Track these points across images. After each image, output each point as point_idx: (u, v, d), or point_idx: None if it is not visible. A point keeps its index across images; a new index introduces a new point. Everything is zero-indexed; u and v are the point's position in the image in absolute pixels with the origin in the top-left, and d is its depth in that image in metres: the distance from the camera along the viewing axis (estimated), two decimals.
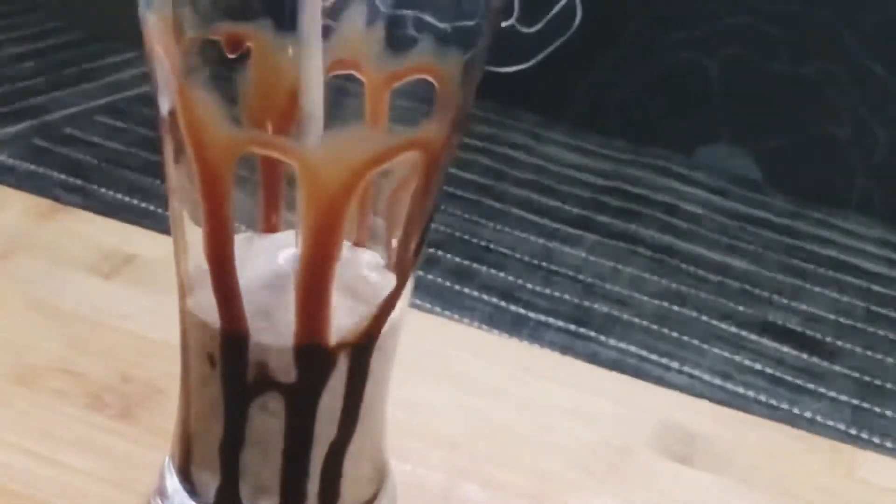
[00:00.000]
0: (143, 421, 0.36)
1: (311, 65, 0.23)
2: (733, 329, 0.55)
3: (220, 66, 0.25)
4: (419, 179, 0.26)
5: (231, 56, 0.26)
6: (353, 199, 0.24)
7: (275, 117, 0.27)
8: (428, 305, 0.51)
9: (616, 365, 0.50)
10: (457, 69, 0.26)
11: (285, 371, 0.27)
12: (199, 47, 0.25)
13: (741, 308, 0.58)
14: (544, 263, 0.59)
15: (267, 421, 0.28)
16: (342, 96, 0.28)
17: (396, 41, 0.27)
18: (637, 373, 0.49)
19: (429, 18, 0.26)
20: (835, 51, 0.78)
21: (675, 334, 0.54)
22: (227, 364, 0.27)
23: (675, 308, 0.56)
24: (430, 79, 0.27)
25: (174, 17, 0.24)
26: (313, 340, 0.26)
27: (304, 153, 0.23)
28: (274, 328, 0.25)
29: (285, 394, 0.27)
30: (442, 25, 0.26)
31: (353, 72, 0.28)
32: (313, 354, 0.27)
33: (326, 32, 0.27)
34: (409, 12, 0.27)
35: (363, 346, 0.28)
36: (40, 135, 0.63)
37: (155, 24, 0.24)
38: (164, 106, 0.26)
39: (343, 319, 0.26)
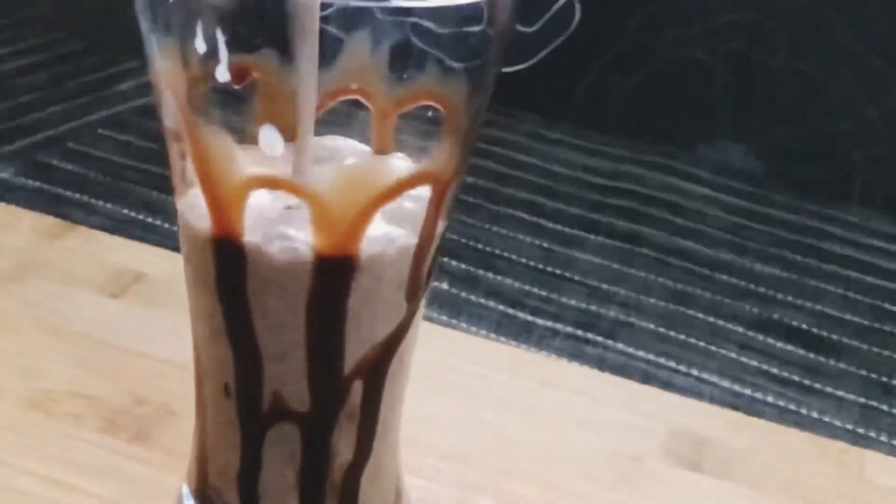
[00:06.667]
0: (158, 443, 0.37)
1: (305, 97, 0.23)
2: (739, 329, 0.55)
3: (229, 102, 0.25)
4: (430, 206, 0.26)
5: (236, 87, 0.26)
6: (364, 232, 0.24)
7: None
8: (434, 314, 0.51)
9: (624, 369, 0.50)
10: (463, 95, 0.27)
11: (300, 399, 0.27)
12: (207, 82, 0.25)
13: (746, 307, 0.58)
14: (550, 268, 0.59)
15: (283, 447, 0.28)
16: (348, 123, 0.29)
17: (402, 67, 0.27)
18: (645, 377, 0.50)
19: (433, 44, 0.26)
20: (835, 45, 0.78)
21: (681, 336, 0.54)
22: (243, 393, 0.27)
23: (681, 309, 0.57)
24: (436, 105, 0.27)
25: (181, 51, 0.24)
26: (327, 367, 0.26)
27: (315, 192, 0.23)
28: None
29: (300, 421, 0.27)
30: (447, 51, 0.26)
31: (359, 97, 0.28)
32: (327, 383, 0.27)
33: (332, 59, 0.27)
34: (413, 38, 0.27)
35: (376, 372, 0.28)
36: (44, 150, 0.64)
37: (161, 61, 0.25)
38: (173, 141, 0.26)
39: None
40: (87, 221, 0.54)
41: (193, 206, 0.25)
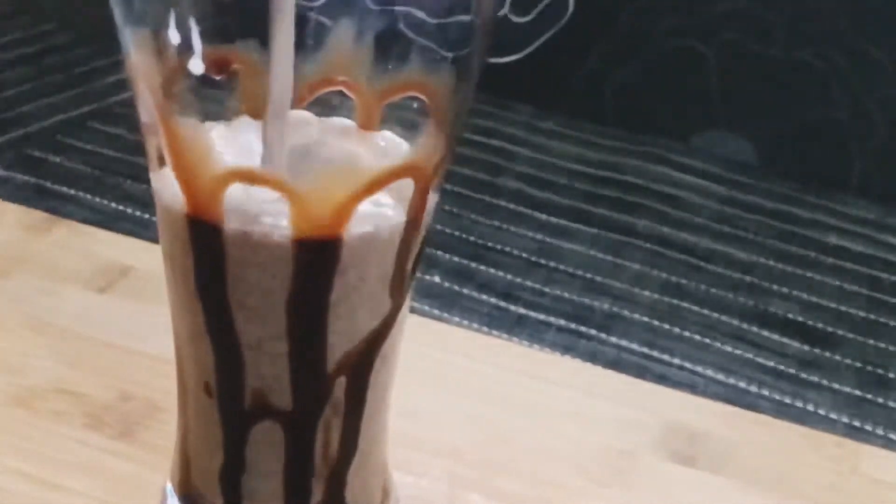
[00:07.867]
0: (143, 440, 0.36)
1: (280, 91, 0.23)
2: (734, 322, 0.55)
3: (206, 94, 0.25)
4: (414, 197, 0.26)
5: (215, 78, 0.25)
6: (345, 227, 0.24)
7: None
8: (426, 307, 0.51)
9: (617, 363, 0.49)
10: (448, 84, 0.26)
11: (282, 397, 0.26)
12: (184, 76, 0.24)
13: (741, 299, 0.58)
14: (543, 260, 0.58)
15: (266, 446, 0.28)
16: (334, 114, 0.28)
17: (386, 58, 0.27)
18: (639, 370, 0.49)
19: (418, 34, 0.26)
20: (831, 34, 0.77)
21: (675, 329, 0.53)
22: (224, 391, 0.27)
23: (675, 302, 0.56)
24: (421, 96, 0.26)
25: (155, 43, 0.24)
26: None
27: (295, 188, 0.22)
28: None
29: (283, 419, 0.27)
30: (433, 40, 0.26)
31: (343, 89, 0.28)
32: (309, 379, 0.27)
33: (316, 48, 0.27)
34: (398, 28, 0.26)
35: (360, 368, 0.27)
36: (32, 143, 0.63)
37: (136, 54, 0.24)
38: (150, 134, 0.25)
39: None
40: (75, 215, 0.53)
41: (168, 187, 0.24)
